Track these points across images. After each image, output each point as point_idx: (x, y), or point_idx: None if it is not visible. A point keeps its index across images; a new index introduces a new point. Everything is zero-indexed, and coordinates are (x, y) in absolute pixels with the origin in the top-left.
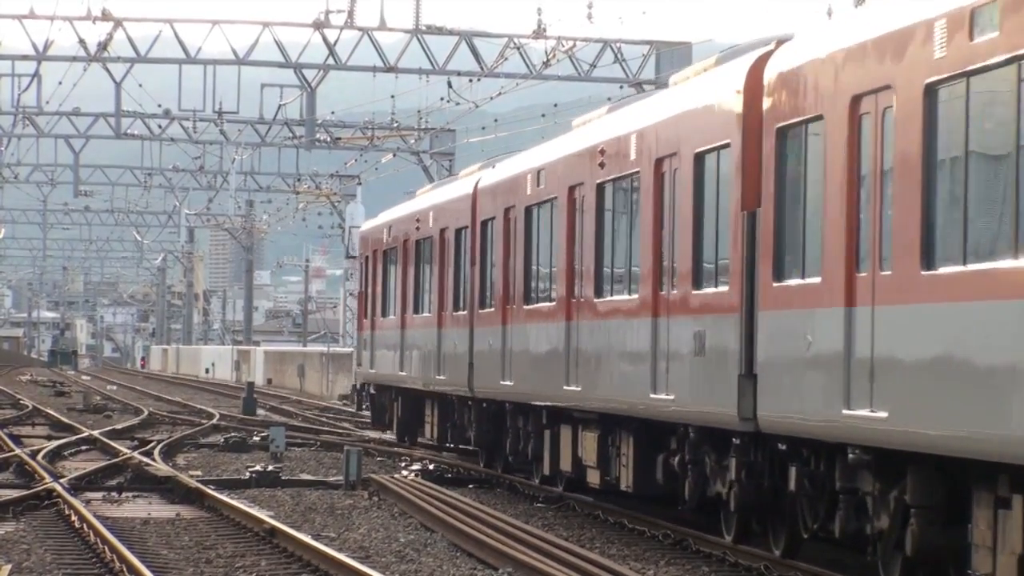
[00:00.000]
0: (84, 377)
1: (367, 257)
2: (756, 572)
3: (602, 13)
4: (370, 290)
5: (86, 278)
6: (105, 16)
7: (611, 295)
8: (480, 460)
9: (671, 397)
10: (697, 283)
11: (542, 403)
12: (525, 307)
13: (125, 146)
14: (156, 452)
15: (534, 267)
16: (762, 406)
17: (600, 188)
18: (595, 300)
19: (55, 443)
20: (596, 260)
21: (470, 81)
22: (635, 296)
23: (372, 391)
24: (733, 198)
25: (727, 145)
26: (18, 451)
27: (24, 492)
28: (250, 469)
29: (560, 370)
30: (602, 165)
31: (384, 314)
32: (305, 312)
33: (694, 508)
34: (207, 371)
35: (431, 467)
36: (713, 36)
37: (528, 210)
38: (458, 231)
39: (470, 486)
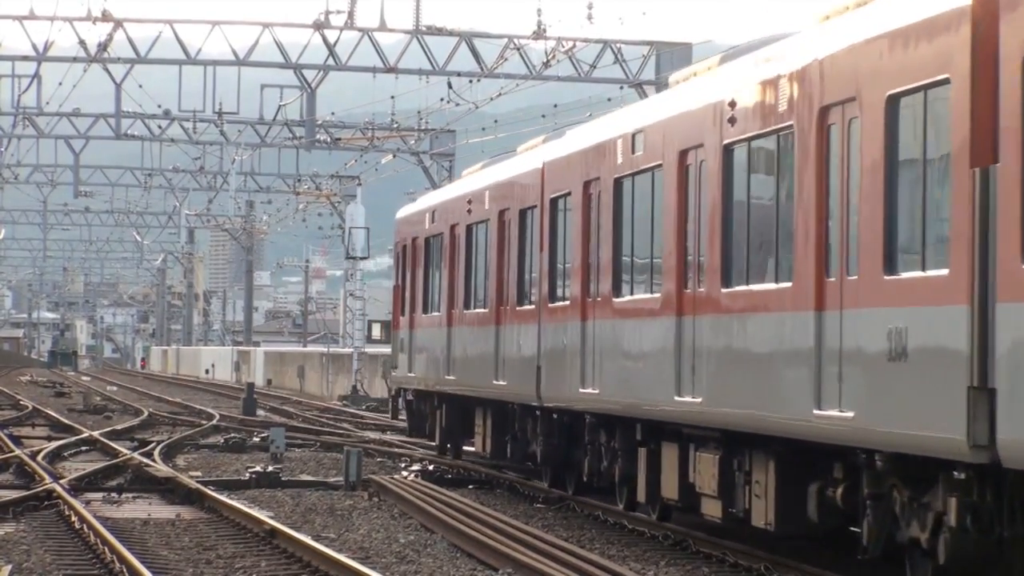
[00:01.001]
0: (84, 378)
1: (404, 247)
2: (756, 573)
3: (602, 14)
4: (409, 284)
5: (86, 279)
6: (105, 17)
7: (747, 283)
8: (544, 478)
9: (848, 415)
10: (892, 265)
11: (641, 417)
12: (615, 300)
13: (125, 147)
14: (156, 453)
15: (626, 251)
16: (1004, 430)
17: (728, 150)
18: (722, 291)
19: (55, 444)
20: (721, 239)
21: (470, 82)
22: (790, 284)
23: (410, 397)
24: (957, 151)
25: (944, 82)
26: (18, 452)
27: (24, 493)
28: (250, 470)
29: (668, 377)
30: (732, 121)
31: (426, 310)
32: (305, 313)
33: (878, 556)
34: (207, 372)
35: (431, 468)
36: (713, 37)
37: (619, 182)
38: (523, 212)
39: (470, 487)
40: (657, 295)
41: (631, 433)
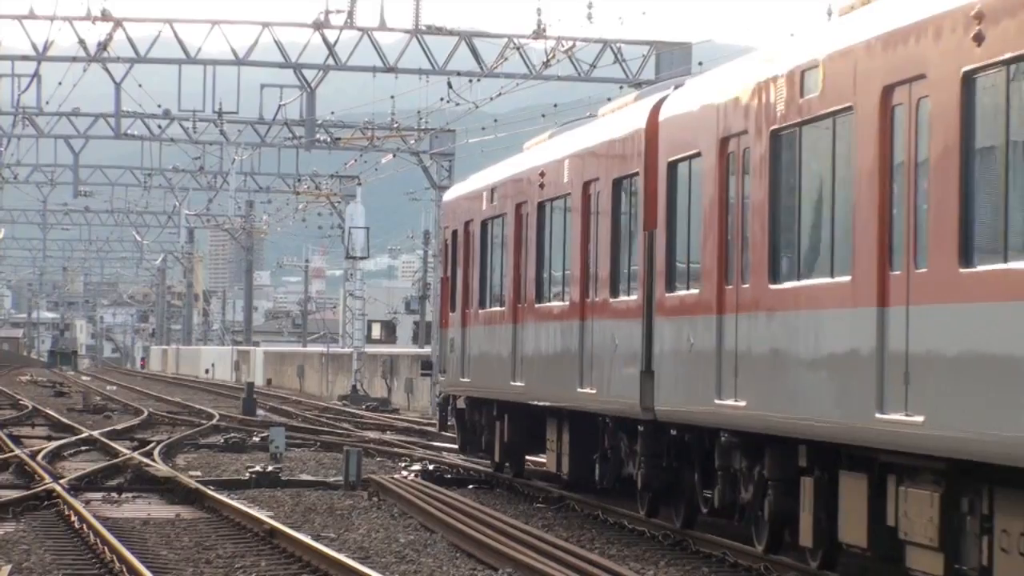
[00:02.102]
0: (84, 377)
1: (454, 233)
2: (756, 573)
3: (602, 13)
4: (461, 275)
5: (86, 278)
6: (105, 16)
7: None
8: (641, 507)
9: None
10: None
11: (811, 437)
12: (774, 287)
13: (125, 146)
14: (156, 453)
15: (788, 221)
16: None
17: (970, 79)
18: (961, 270)
19: (55, 444)
20: (960, 202)
21: (470, 81)
22: None
23: (461, 406)
24: None
25: None
26: (18, 452)
27: (24, 492)
28: (250, 470)
29: (865, 388)
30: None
31: (484, 305)
32: (305, 313)
33: None
34: (207, 371)
35: (431, 467)
36: (713, 36)
37: (777, 135)
38: (618, 182)
39: (470, 487)
40: (845, 279)
41: (789, 457)
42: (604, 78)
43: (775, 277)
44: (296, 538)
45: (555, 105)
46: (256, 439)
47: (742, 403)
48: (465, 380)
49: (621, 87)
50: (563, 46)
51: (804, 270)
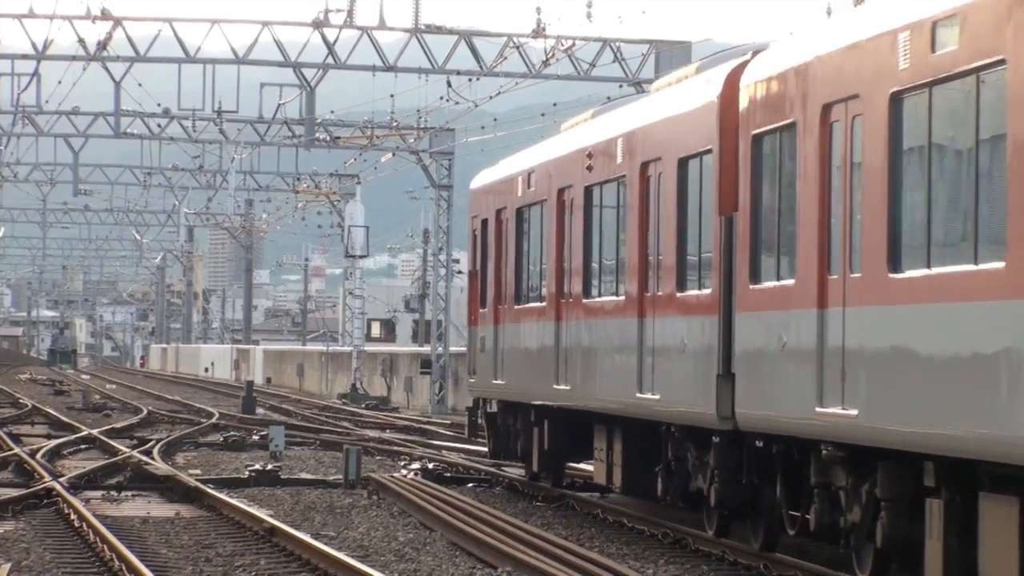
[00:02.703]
0: (83, 376)
1: (485, 222)
2: (755, 571)
3: (601, 12)
4: (492, 267)
5: (85, 277)
6: (104, 15)
7: None
8: (708, 525)
9: None
10: None
11: (948, 453)
12: (894, 276)
13: (124, 145)
14: (155, 451)
15: (914, 198)
16: None
17: (897, 99)
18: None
19: (54, 442)
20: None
21: (469, 80)
22: None
23: (492, 409)
24: None
25: None
26: (17, 450)
27: (23, 491)
28: (249, 468)
29: None
30: None
31: (521, 300)
32: (304, 311)
33: None
34: (206, 370)
35: (430, 466)
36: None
37: (897, 98)
38: (684, 162)
39: (469, 485)
40: (997, 265)
41: (907, 476)
42: (603, 77)
43: (896, 266)
44: (296, 536)
45: (554, 104)
46: (256, 438)
47: (852, 412)
48: (499, 382)
49: (620, 86)
50: (563, 45)
51: (954, 253)
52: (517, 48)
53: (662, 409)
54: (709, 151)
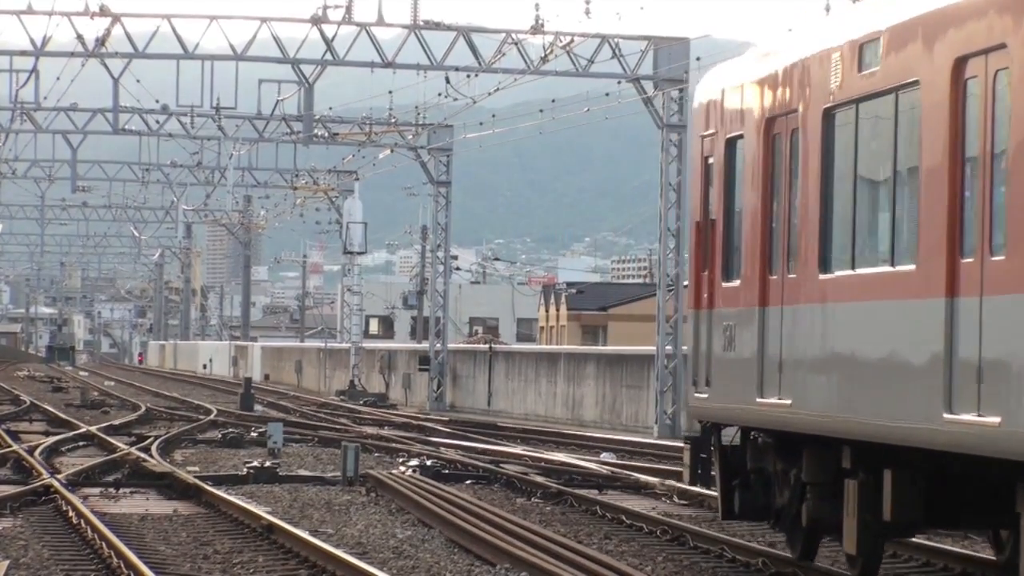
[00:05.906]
0: (82, 373)
1: (734, 141)
2: (754, 568)
3: (600, 9)
4: (759, 212)
5: (84, 274)
6: (103, 12)
7: None
8: None
9: None
10: None
11: None
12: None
13: (123, 142)
14: (154, 448)
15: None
16: None
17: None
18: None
19: (53, 439)
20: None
21: (468, 76)
22: None
23: (732, 440)
24: None
25: None
26: (16, 447)
27: (22, 488)
28: (248, 465)
29: None
30: None
31: (833, 265)
32: (303, 308)
33: None
34: (205, 367)
35: (429, 463)
36: (710, 32)
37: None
38: None
39: (467, 482)
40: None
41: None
42: (602, 73)
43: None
44: (294, 533)
45: (553, 100)
46: (254, 434)
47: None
48: (771, 401)
49: (619, 82)
50: (561, 41)
51: None
52: (516, 44)
53: None
54: None
